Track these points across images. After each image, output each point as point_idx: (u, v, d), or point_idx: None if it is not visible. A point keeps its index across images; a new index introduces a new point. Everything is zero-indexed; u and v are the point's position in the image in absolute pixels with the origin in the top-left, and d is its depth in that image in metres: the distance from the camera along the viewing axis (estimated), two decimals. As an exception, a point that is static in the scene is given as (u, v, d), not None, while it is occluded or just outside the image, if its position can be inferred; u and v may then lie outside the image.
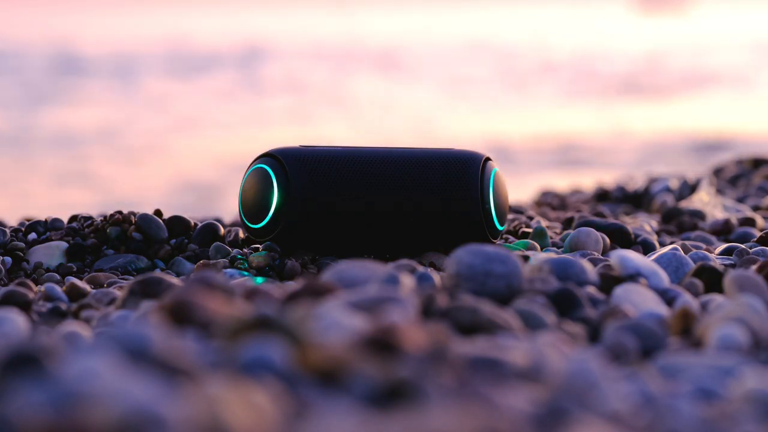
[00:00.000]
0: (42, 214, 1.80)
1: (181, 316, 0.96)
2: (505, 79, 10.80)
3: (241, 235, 1.70)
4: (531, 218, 1.99)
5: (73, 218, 1.73)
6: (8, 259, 1.63)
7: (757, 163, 2.98)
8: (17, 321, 1.13)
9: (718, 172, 2.98)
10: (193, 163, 6.17)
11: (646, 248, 1.74)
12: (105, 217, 1.70)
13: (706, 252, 1.62)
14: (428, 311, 1.06)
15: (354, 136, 6.94)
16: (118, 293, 1.34)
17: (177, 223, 1.71)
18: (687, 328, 1.10)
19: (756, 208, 2.33)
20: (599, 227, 1.76)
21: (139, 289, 1.24)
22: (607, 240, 1.71)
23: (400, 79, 10.93)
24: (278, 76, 10.64)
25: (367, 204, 1.60)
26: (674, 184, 2.47)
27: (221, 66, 11.60)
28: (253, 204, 1.62)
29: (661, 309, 1.18)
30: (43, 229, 1.71)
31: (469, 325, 1.04)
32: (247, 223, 1.63)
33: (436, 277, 1.26)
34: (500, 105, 9.03)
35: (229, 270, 1.56)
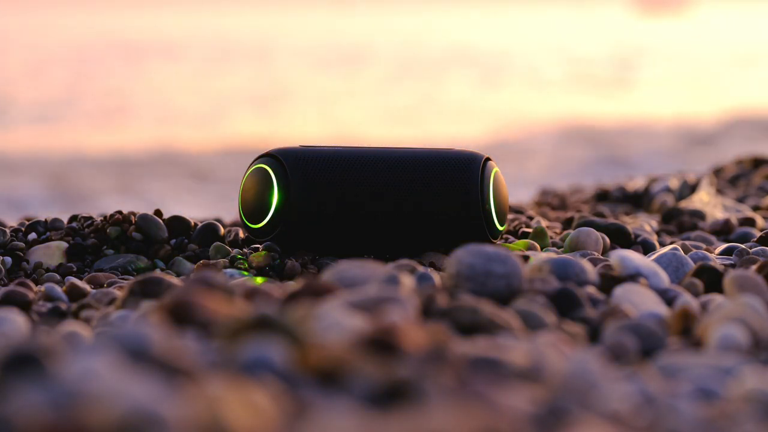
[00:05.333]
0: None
1: (181, 316, 0.96)
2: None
3: (241, 235, 1.70)
4: (531, 218, 1.99)
5: (73, 218, 1.73)
6: (8, 259, 1.63)
7: (757, 163, 2.98)
8: (17, 321, 1.13)
9: (718, 172, 2.98)
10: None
11: (646, 248, 1.74)
12: (105, 217, 1.70)
13: (706, 252, 1.62)
14: (428, 311, 1.06)
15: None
16: (118, 293, 1.34)
17: (177, 223, 1.71)
18: (687, 328, 1.10)
19: (756, 208, 2.33)
20: (599, 227, 1.75)
21: (139, 289, 1.24)
22: (607, 240, 1.71)
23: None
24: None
25: (367, 204, 1.60)
26: (674, 184, 2.47)
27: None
28: (253, 204, 1.61)
29: (661, 309, 1.18)
30: (43, 229, 1.71)
31: (469, 325, 1.04)
32: (247, 223, 1.63)
33: (436, 277, 1.26)
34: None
35: (229, 270, 1.56)
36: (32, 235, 1.69)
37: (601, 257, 1.54)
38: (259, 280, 1.55)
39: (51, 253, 1.66)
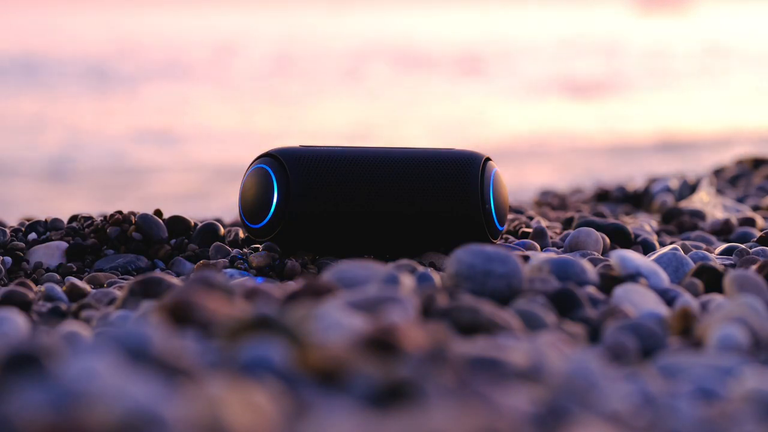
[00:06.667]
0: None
1: (181, 316, 0.96)
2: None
3: (241, 235, 1.70)
4: (531, 218, 1.99)
5: (73, 218, 1.73)
6: (8, 259, 1.63)
7: (757, 163, 2.98)
8: (17, 321, 1.13)
9: (718, 172, 2.98)
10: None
11: (646, 248, 1.74)
12: (105, 217, 1.70)
13: (706, 252, 1.62)
14: (428, 311, 1.06)
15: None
16: (118, 293, 1.34)
17: (177, 223, 1.71)
18: (687, 328, 1.10)
19: (756, 208, 2.33)
20: (599, 227, 1.75)
21: (139, 289, 1.24)
22: (607, 240, 1.71)
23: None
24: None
25: (367, 204, 1.60)
26: (674, 184, 2.47)
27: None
28: (253, 204, 1.61)
29: (661, 309, 1.18)
30: (43, 229, 1.71)
31: (469, 325, 1.04)
32: (247, 223, 1.63)
33: (436, 277, 1.26)
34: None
35: (229, 270, 1.56)
36: (32, 235, 1.69)
37: (601, 257, 1.54)
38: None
39: (51, 253, 1.66)
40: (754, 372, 0.94)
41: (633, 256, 1.29)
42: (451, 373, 0.83)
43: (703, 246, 1.75)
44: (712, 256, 1.58)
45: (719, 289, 1.31)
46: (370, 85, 10.01)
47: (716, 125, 7.71)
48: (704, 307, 1.22)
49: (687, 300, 1.23)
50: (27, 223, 1.73)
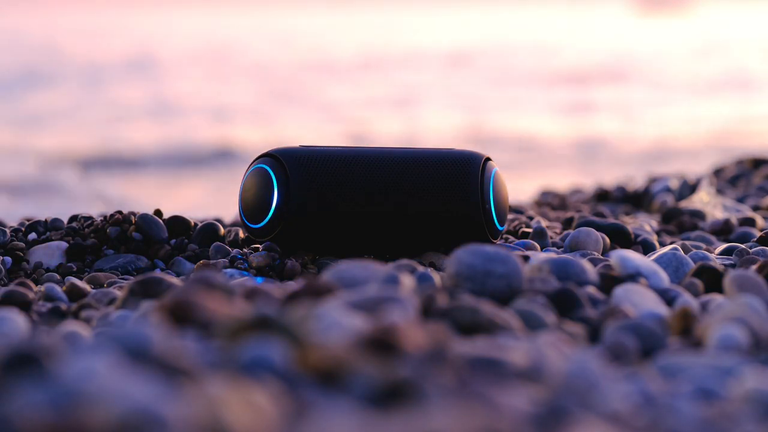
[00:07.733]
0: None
1: (181, 316, 0.96)
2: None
3: (241, 235, 1.70)
4: (531, 218, 1.99)
5: (73, 218, 1.73)
6: (8, 259, 1.63)
7: (757, 163, 2.98)
8: (17, 321, 1.13)
9: (718, 172, 2.98)
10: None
11: (646, 248, 1.74)
12: (105, 217, 1.70)
13: (706, 252, 1.62)
14: (428, 311, 1.06)
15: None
16: (118, 293, 1.34)
17: (177, 223, 1.71)
18: (687, 328, 1.10)
19: (756, 208, 2.33)
20: (599, 227, 1.75)
21: (139, 289, 1.24)
22: (607, 240, 1.71)
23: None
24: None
25: (367, 204, 1.60)
26: (674, 184, 2.47)
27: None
28: (253, 204, 1.61)
29: (661, 309, 1.18)
30: (43, 229, 1.71)
31: (469, 325, 1.04)
32: (247, 223, 1.63)
33: (436, 277, 1.26)
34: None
35: (229, 270, 1.56)
36: (32, 235, 1.69)
37: (601, 257, 1.54)
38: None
39: (51, 253, 1.66)
40: (754, 372, 0.94)
41: (633, 256, 1.29)
42: (451, 373, 0.83)
43: (703, 246, 1.75)
44: (712, 256, 1.58)
45: (719, 289, 1.31)
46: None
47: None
48: (704, 307, 1.22)
49: (687, 300, 1.23)
50: (27, 223, 1.73)
